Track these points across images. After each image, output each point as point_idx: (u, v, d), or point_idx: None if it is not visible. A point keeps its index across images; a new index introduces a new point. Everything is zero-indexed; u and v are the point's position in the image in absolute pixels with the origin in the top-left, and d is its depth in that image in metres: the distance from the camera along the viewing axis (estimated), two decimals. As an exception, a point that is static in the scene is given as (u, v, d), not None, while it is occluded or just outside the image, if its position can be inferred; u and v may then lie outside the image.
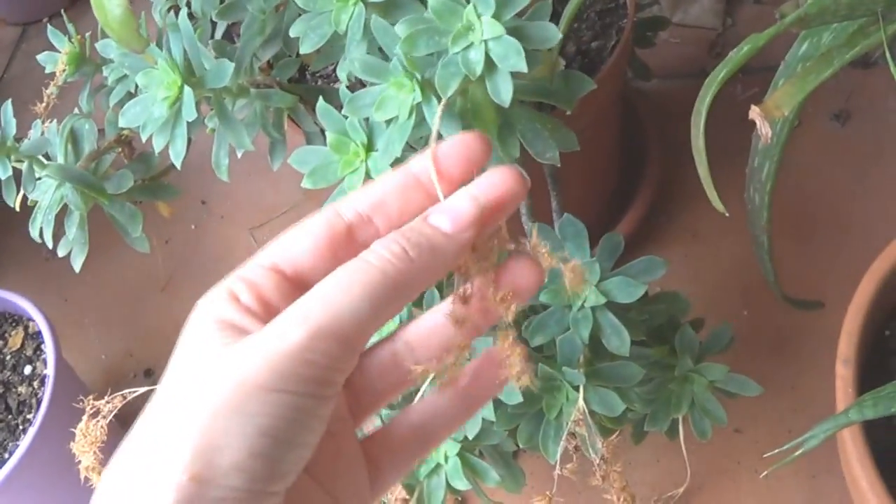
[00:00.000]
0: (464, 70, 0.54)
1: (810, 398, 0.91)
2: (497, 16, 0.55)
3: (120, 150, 0.86)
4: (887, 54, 0.66)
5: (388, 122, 0.60)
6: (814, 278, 0.98)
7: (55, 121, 0.83)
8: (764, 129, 0.60)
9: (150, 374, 1.12)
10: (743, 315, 0.99)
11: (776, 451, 0.61)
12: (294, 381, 0.31)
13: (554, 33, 0.57)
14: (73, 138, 0.83)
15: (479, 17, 0.55)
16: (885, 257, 0.73)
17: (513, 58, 0.54)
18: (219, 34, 0.81)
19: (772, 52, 0.70)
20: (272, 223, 1.21)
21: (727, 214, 0.64)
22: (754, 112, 0.61)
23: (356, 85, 0.64)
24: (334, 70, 0.87)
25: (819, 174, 1.06)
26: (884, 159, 1.05)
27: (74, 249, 0.83)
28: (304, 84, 0.81)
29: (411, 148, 0.58)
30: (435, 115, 0.55)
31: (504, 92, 0.55)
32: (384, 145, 0.58)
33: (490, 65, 0.55)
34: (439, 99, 0.55)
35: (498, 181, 0.35)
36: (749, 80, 1.14)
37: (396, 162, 0.60)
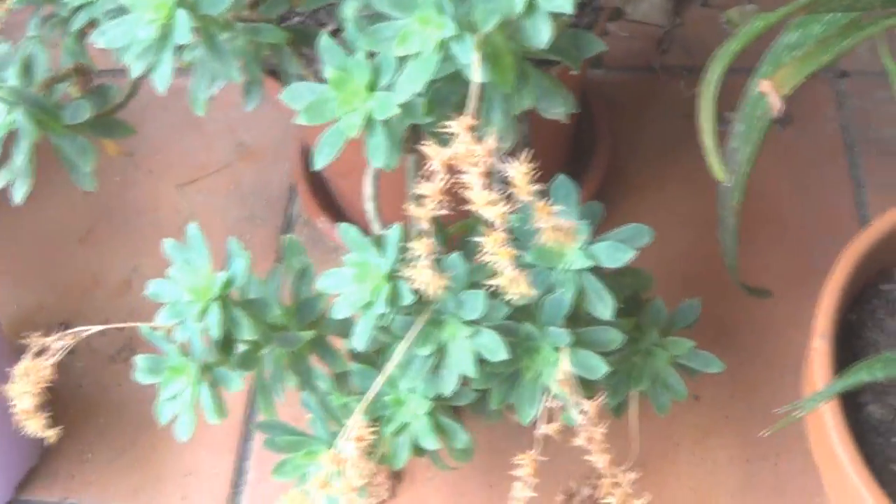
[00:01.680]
0: (503, 8, 0.53)
1: (750, 387, 0.93)
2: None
3: (75, 80, 0.81)
4: (882, 49, 0.68)
5: (403, 60, 0.58)
6: (752, 274, 1.00)
7: (10, 42, 0.79)
8: (775, 101, 0.61)
9: (66, 328, 1.06)
10: (683, 305, 1.00)
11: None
12: None
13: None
14: (27, 63, 0.78)
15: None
16: (862, 240, 0.74)
17: (557, -3, 0.53)
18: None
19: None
20: (202, 181, 1.17)
21: (727, 183, 0.65)
22: (765, 85, 0.62)
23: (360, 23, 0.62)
24: (318, 14, 0.85)
25: (760, 175, 1.08)
26: (820, 165, 1.09)
27: (18, 180, 0.79)
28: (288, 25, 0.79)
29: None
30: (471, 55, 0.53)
31: (543, 33, 0.54)
32: (405, 80, 0.56)
33: (531, 5, 0.54)
34: (472, 34, 0.54)
35: None
36: (692, 79, 1.16)
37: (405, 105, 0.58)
